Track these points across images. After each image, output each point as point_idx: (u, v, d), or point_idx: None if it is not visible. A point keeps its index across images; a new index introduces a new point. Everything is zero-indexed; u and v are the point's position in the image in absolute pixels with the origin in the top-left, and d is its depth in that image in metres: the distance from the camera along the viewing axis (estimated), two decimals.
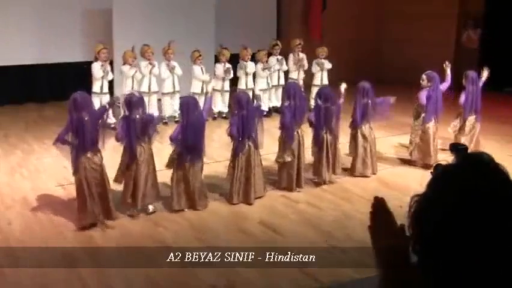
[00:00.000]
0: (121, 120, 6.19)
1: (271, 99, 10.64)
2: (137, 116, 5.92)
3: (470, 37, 12.75)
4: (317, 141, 6.89)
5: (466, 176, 1.41)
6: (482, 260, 1.34)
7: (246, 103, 6.45)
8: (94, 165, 5.71)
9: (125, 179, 6.03)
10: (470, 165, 1.44)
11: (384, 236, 1.57)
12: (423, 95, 7.51)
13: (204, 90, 9.95)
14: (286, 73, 10.78)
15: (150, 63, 9.54)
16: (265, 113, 9.03)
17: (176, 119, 9.37)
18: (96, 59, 9.34)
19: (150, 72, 9.58)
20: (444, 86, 7.71)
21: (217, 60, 10.40)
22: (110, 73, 9.44)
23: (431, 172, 1.51)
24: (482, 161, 1.44)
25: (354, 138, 7.37)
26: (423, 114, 7.55)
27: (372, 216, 1.63)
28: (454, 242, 1.37)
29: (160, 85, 9.86)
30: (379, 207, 1.63)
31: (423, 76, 7.58)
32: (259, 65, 10.27)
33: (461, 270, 1.36)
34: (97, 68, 9.27)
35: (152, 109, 9.24)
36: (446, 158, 1.57)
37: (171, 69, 9.75)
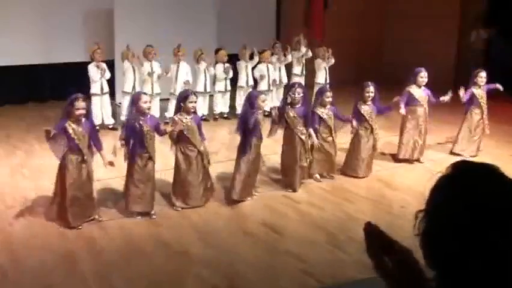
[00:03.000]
0: (127, 125, 6.02)
1: (272, 99, 10.63)
2: (146, 123, 5.88)
3: (480, 37, 12.45)
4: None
5: (469, 189, 1.39)
6: (498, 273, 1.33)
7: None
8: (78, 168, 5.65)
9: (128, 185, 5.98)
10: (474, 176, 1.42)
11: (386, 255, 1.57)
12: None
13: (207, 90, 10.01)
14: (289, 69, 10.78)
15: (152, 68, 9.47)
16: (266, 113, 9.01)
17: None
18: (92, 60, 9.29)
19: (150, 75, 9.52)
20: (431, 99, 7.71)
21: (216, 61, 10.39)
22: (107, 72, 9.31)
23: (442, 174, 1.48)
24: (486, 172, 1.42)
25: (352, 138, 7.36)
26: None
27: (367, 241, 1.63)
28: (465, 258, 1.35)
29: (162, 87, 9.81)
30: (372, 231, 1.63)
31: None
32: (263, 66, 10.27)
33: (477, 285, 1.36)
34: (93, 70, 9.18)
35: (154, 111, 9.20)
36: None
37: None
